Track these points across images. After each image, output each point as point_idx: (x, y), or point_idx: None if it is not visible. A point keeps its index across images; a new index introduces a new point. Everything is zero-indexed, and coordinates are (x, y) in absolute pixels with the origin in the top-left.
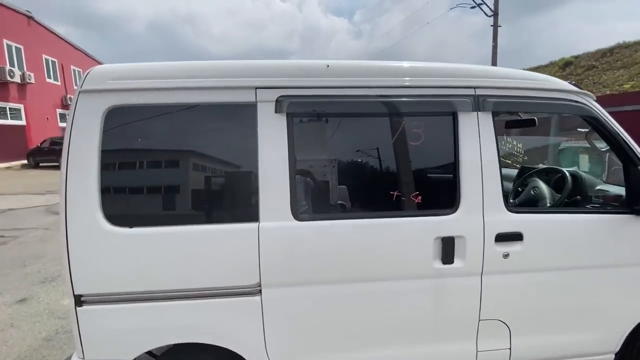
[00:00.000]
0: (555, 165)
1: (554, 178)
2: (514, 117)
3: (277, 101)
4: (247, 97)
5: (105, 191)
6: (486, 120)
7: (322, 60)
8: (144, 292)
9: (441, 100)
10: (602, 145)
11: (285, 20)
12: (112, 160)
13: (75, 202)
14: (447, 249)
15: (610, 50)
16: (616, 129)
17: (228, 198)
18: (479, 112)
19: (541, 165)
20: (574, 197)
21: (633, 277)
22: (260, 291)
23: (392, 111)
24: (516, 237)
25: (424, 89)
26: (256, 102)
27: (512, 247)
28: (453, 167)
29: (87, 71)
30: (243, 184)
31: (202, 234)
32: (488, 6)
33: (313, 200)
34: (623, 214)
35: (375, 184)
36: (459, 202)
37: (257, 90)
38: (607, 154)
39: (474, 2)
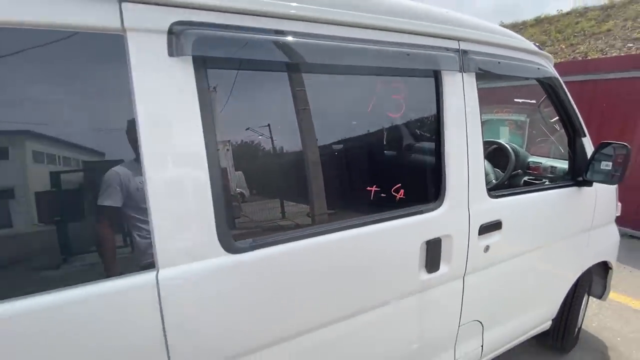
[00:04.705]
0: None
1: (486, 151)
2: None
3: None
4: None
5: None
6: (471, 85)
7: None
8: None
9: (424, 54)
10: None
11: None
12: None
13: None
14: (434, 254)
15: None
16: (569, 98)
17: None
18: (464, 73)
19: None
20: (514, 171)
21: (572, 246)
22: None
23: (364, 64)
24: (496, 226)
25: (398, 34)
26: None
27: (492, 238)
28: (437, 147)
29: None
30: None
31: None
32: None
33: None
34: (570, 186)
35: (346, 177)
36: (445, 192)
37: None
38: (527, 126)
39: None
